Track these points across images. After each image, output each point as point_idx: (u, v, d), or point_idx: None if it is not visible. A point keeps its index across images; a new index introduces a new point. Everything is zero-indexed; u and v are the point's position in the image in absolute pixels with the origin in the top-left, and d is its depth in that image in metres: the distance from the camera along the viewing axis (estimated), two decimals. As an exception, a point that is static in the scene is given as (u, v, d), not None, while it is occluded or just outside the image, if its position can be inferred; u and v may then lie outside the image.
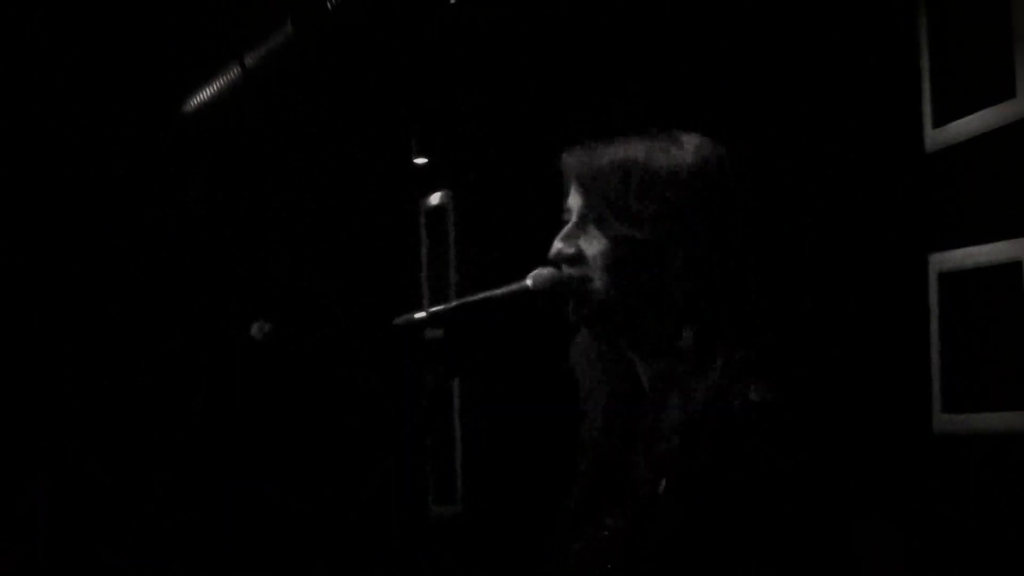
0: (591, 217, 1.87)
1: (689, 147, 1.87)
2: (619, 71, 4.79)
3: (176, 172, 6.99)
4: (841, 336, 4.04)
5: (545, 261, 1.90)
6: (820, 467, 1.77)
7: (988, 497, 3.65)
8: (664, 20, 4.57)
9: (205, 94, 6.30)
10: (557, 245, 1.90)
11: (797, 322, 3.84)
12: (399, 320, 1.87)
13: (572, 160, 1.92)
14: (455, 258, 6.18)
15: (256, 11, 5.71)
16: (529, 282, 1.88)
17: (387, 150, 6.62)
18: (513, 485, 5.54)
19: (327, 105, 6.33)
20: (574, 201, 1.91)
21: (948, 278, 3.84)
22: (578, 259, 1.88)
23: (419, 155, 6.46)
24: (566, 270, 1.88)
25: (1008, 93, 3.55)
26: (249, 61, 5.84)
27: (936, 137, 3.87)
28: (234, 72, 5.97)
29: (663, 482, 1.77)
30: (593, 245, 1.87)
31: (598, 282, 1.86)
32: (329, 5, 5.12)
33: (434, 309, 1.86)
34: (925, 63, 3.89)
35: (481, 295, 1.88)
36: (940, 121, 3.85)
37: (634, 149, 1.87)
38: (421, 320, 1.86)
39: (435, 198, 6.37)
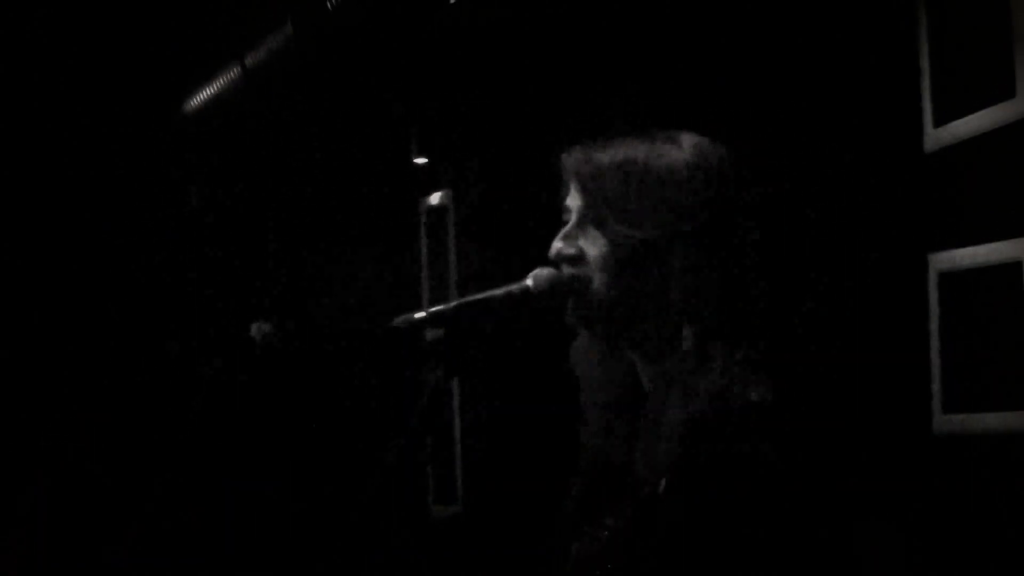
0: (590, 217, 1.87)
1: (688, 147, 1.87)
2: (619, 71, 4.79)
3: (176, 172, 7.00)
4: (841, 336, 4.04)
5: (545, 261, 1.90)
6: (820, 467, 1.77)
7: (988, 497, 3.65)
8: (664, 20, 4.57)
9: (205, 94, 6.30)
10: (557, 245, 1.90)
11: (797, 322, 3.84)
12: (399, 320, 1.86)
13: (571, 160, 1.91)
14: (455, 258, 6.19)
15: (256, 11, 5.71)
16: (529, 282, 1.88)
17: (387, 150, 6.62)
18: (513, 485, 5.55)
19: (327, 105, 6.33)
20: (573, 201, 1.91)
21: (948, 278, 3.84)
22: (578, 259, 1.88)
23: (419, 155, 6.46)
24: (566, 270, 1.88)
25: (1008, 93, 3.55)
26: (249, 61, 5.84)
27: (936, 137, 3.87)
28: (234, 72, 5.97)
29: (663, 482, 1.77)
30: (593, 245, 1.87)
31: (598, 282, 1.86)
32: (329, 5, 5.12)
33: (434, 309, 1.86)
34: (925, 63, 3.89)
35: (481, 295, 1.88)
36: (940, 121, 3.85)
37: (634, 149, 1.87)
38: (421, 320, 1.85)
39: (435, 198, 6.38)
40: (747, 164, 1.89)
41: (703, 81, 4.38)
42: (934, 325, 3.87)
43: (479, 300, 1.87)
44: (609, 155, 1.88)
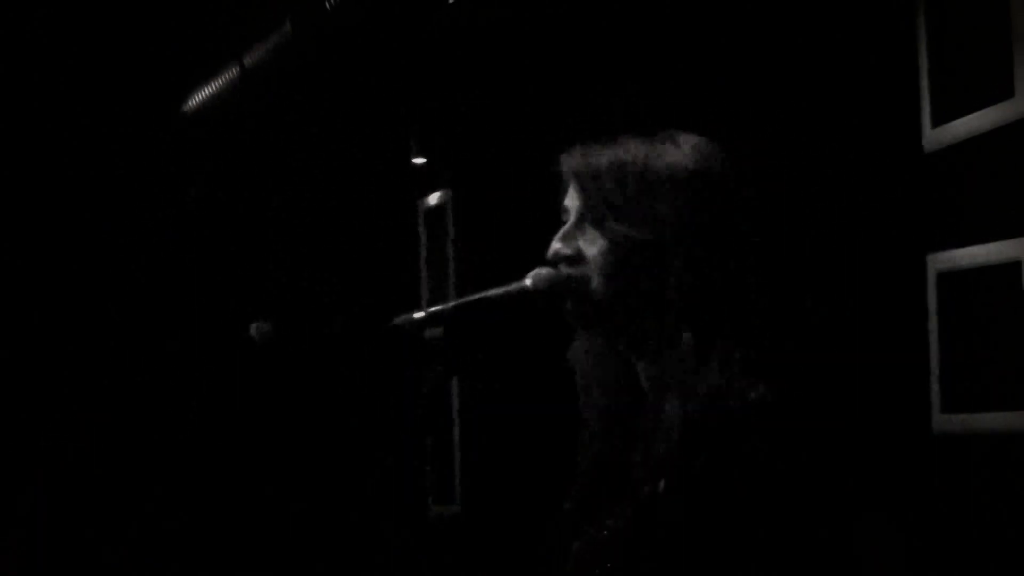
0: (589, 217, 1.88)
1: (687, 147, 1.87)
2: (618, 71, 4.79)
3: (176, 172, 6.99)
4: (840, 336, 4.04)
5: (544, 261, 1.90)
6: (820, 467, 1.77)
7: (988, 497, 3.65)
8: (663, 20, 4.57)
9: (205, 94, 6.30)
10: (556, 245, 1.90)
11: (796, 322, 3.84)
12: (399, 320, 1.87)
13: (570, 160, 1.92)
14: (454, 258, 6.19)
15: (256, 11, 5.71)
16: (528, 282, 1.88)
17: (387, 150, 6.62)
18: (513, 485, 5.55)
19: (327, 105, 6.33)
20: (572, 201, 1.91)
21: (947, 278, 3.84)
22: (577, 259, 1.88)
23: (418, 155, 6.46)
24: (565, 270, 1.88)
25: (1007, 93, 3.55)
26: (248, 61, 5.84)
27: (935, 137, 3.87)
28: (234, 72, 5.97)
29: (663, 482, 1.77)
30: (592, 245, 1.87)
31: (597, 282, 1.86)
32: (328, 5, 5.12)
33: (434, 309, 1.86)
34: (924, 63, 3.89)
35: (480, 295, 1.88)
36: (939, 121, 3.85)
37: (633, 149, 1.87)
38: (421, 320, 1.86)
39: (434, 198, 6.37)
40: (746, 164, 1.90)
41: (703, 81, 4.38)
42: (933, 325, 3.88)
43: (478, 300, 1.88)
44: (608, 155, 1.88)
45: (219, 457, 6.80)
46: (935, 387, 3.86)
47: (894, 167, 4.02)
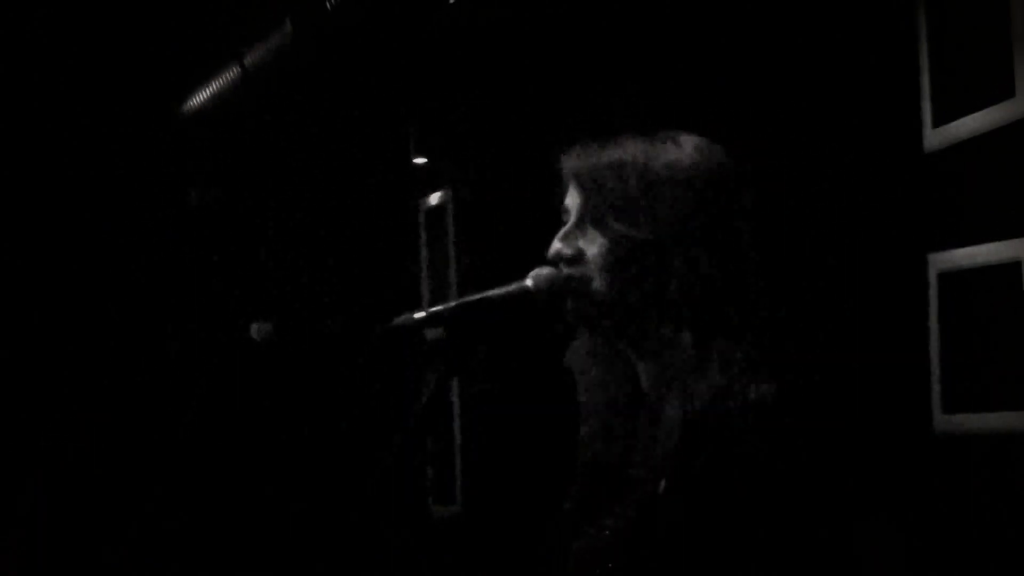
0: (590, 217, 1.88)
1: (688, 147, 1.87)
2: (619, 71, 4.79)
3: (176, 172, 6.99)
4: (840, 336, 4.04)
5: (544, 261, 1.90)
6: (820, 467, 1.77)
7: (988, 497, 3.65)
8: (664, 20, 4.57)
9: (205, 94, 6.30)
10: (556, 245, 1.90)
11: (796, 322, 3.84)
12: (399, 320, 1.87)
13: (571, 160, 1.92)
14: (455, 258, 6.19)
15: (255, 11, 5.71)
16: (528, 282, 1.88)
17: (387, 150, 6.62)
18: (513, 485, 5.55)
19: (327, 105, 6.33)
20: (572, 201, 1.91)
21: (947, 278, 3.84)
22: (577, 259, 1.88)
23: (418, 155, 6.46)
24: (565, 270, 1.88)
25: (1008, 93, 3.55)
26: (248, 61, 5.84)
27: (936, 137, 3.87)
28: (234, 72, 5.97)
29: (663, 482, 1.77)
30: (592, 245, 1.87)
31: (597, 282, 1.86)
32: (328, 5, 5.12)
33: (434, 309, 1.86)
34: (924, 62, 3.89)
35: (481, 295, 1.88)
36: (940, 121, 3.85)
37: (633, 149, 1.87)
38: (421, 320, 1.85)
39: (435, 198, 6.37)
40: (746, 164, 1.89)
41: (703, 81, 4.38)
42: (934, 325, 3.87)
43: (479, 300, 1.87)
44: (608, 155, 1.88)
45: (219, 457, 6.80)
46: (935, 387, 3.86)
47: (894, 167, 4.02)
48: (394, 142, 6.54)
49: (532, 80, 5.34)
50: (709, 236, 1.83)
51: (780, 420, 1.75)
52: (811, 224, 4.12)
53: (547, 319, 1.90)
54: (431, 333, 1.85)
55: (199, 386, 6.83)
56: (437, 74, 5.75)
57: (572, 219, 1.90)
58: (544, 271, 1.88)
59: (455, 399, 6.06)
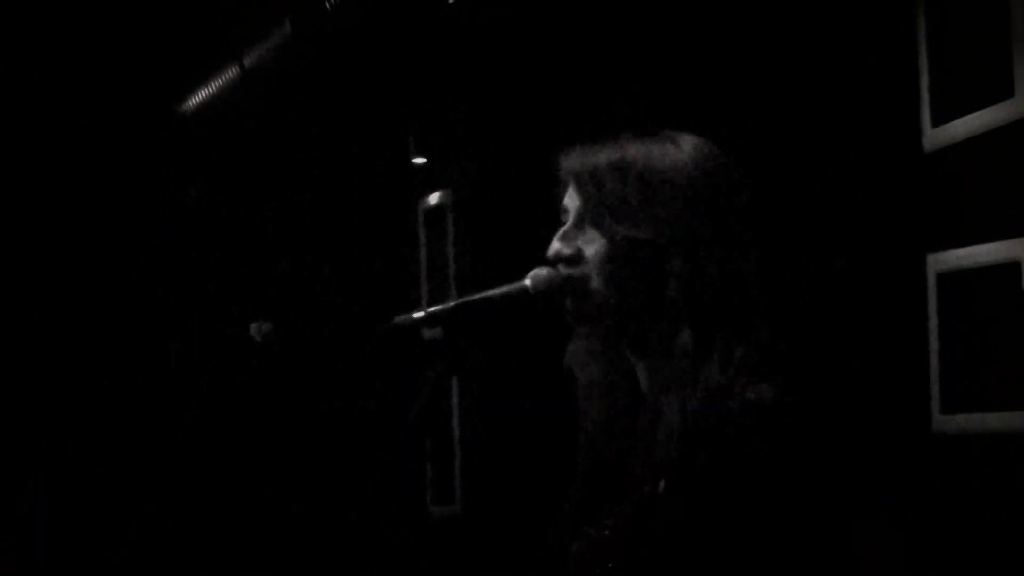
0: (589, 217, 1.88)
1: (687, 147, 1.87)
2: (618, 71, 4.79)
3: (176, 172, 6.99)
4: (840, 336, 4.04)
5: (544, 261, 1.90)
6: (819, 467, 1.77)
7: (987, 497, 3.65)
8: (663, 20, 4.57)
9: (204, 94, 6.30)
10: (555, 245, 1.90)
11: (796, 322, 3.84)
12: (399, 320, 1.87)
13: (570, 160, 1.92)
14: (454, 258, 6.19)
15: (256, 11, 5.71)
16: (528, 282, 1.88)
17: (386, 150, 6.62)
18: (513, 485, 5.55)
19: (326, 105, 6.33)
20: (572, 201, 1.91)
21: (947, 278, 3.84)
22: (576, 259, 1.88)
23: (418, 155, 6.46)
24: (564, 270, 1.88)
25: (1007, 93, 3.55)
26: (248, 61, 5.84)
27: (935, 137, 3.87)
28: (233, 72, 5.97)
29: (663, 482, 1.77)
30: (591, 245, 1.87)
31: (596, 282, 1.86)
32: (328, 5, 5.12)
33: (433, 309, 1.86)
34: (924, 63, 3.89)
35: (480, 295, 1.88)
36: (939, 121, 3.85)
37: (632, 149, 1.87)
38: (421, 320, 1.86)
39: (434, 198, 6.37)
40: (746, 164, 1.90)
41: (703, 81, 4.38)
42: (933, 325, 3.88)
43: (478, 300, 1.87)
44: (607, 155, 1.88)
45: (219, 457, 6.80)
46: (935, 387, 3.86)
47: (894, 167, 4.02)
48: (394, 142, 6.54)
49: (532, 80, 5.34)
50: (709, 236, 1.83)
51: (780, 420, 1.75)
52: (811, 224, 4.13)
53: (546, 319, 1.90)
54: (431, 333, 1.85)
55: (199, 386, 6.83)
56: (437, 74, 5.75)
57: (571, 219, 1.90)
58: (543, 271, 1.88)
59: (455, 399, 6.07)
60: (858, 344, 4.03)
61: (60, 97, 6.65)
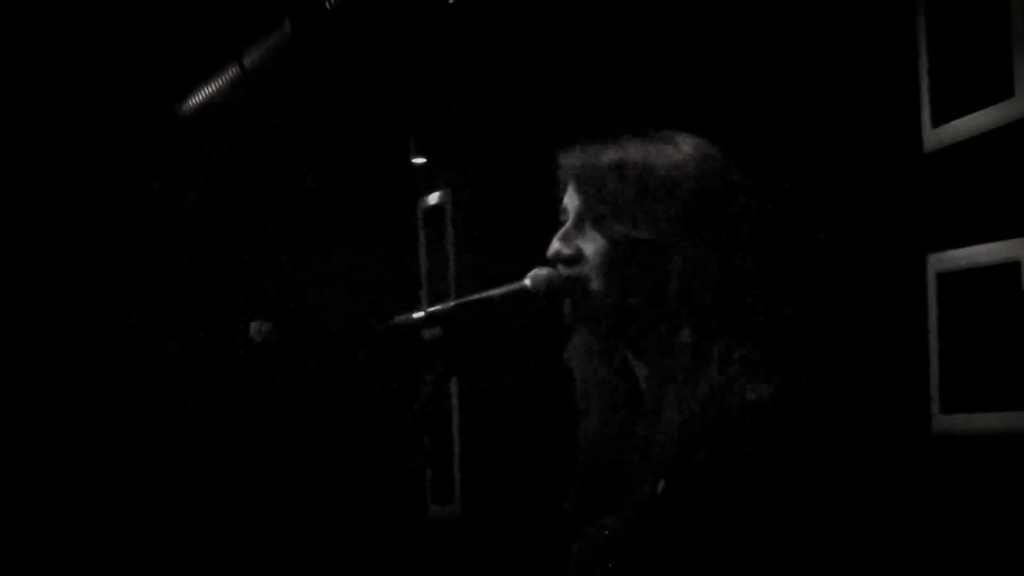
0: (589, 217, 1.88)
1: (687, 147, 1.88)
2: (618, 71, 4.79)
3: (175, 172, 6.99)
4: (839, 336, 4.04)
5: (543, 261, 1.90)
6: (819, 467, 1.77)
7: (987, 497, 3.65)
8: (663, 20, 4.57)
9: (205, 94, 6.30)
10: (555, 245, 1.90)
11: (795, 322, 3.84)
12: (399, 320, 1.87)
13: (570, 160, 1.92)
14: (454, 258, 6.18)
15: (256, 11, 5.71)
16: (527, 282, 1.88)
17: (386, 150, 6.62)
18: (512, 485, 5.54)
19: (326, 105, 6.32)
20: (571, 201, 1.91)
21: (946, 278, 3.84)
22: (576, 259, 1.88)
23: (417, 155, 6.46)
24: (564, 270, 1.88)
25: (1007, 92, 3.55)
26: (248, 61, 5.84)
27: (935, 137, 3.87)
28: (233, 72, 5.97)
29: (662, 482, 1.77)
30: (591, 245, 1.87)
31: (596, 282, 1.86)
32: (328, 5, 5.11)
33: (433, 309, 1.86)
34: (924, 63, 3.89)
35: (480, 295, 1.88)
36: (939, 121, 3.85)
37: (632, 149, 1.87)
38: (420, 320, 1.86)
39: (434, 198, 6.37)
40: (746, 164, 1.90)
41: (702, 81, 4.38)
42: (933, 325, 3.88)
43: (478, 300, 1.87)
44: (607, 155, 1.88)
45: (219, 457, 6.80)
46: (935, 387, 3.86)
47: (894, 167, 4.02)
48: (394, 142, 6.54)
49: (532, 80, 5.34)
50: (708, 236, 1.83)
51: (779, 420, 1.75)
52: (811, 224, 4.13)
53: (546, 319, 1.90)
54: (431, 333, 1.85)
55: (199, 386, 6.83)
56: (437, 74, 5.75)
57: (571, 219, 1.90)
58: (543, 271, 1.88)
59: (455, 399, 6.06)
60: (858, 344, 4.03)
61: (60, 97, 6.64)
